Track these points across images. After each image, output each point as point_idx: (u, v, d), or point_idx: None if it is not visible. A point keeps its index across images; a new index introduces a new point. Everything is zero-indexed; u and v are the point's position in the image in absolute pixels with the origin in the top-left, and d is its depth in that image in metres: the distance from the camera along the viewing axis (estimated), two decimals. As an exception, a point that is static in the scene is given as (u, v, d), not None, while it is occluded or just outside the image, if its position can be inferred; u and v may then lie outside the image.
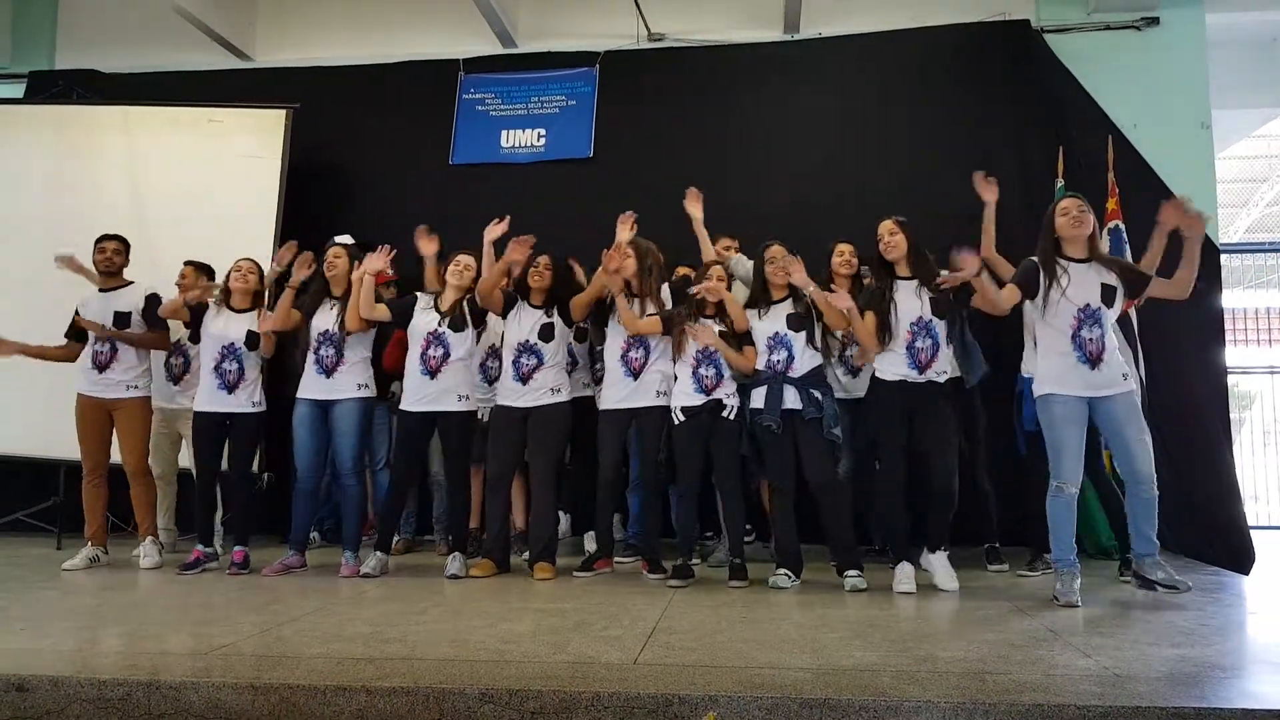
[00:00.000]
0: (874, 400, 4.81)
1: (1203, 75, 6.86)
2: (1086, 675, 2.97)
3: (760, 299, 4.96)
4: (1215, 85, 6.96)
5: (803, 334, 4.81)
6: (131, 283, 5.72)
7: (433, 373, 5.10)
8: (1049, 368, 4.33)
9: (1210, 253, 6.28)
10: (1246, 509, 6.12)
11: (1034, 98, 6.82)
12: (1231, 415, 6.39)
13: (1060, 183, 6.18)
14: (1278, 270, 12.82)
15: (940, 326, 4.64)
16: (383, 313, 5.20)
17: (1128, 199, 5.97)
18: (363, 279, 5.11)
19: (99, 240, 5.70)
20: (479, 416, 5.50)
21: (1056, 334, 4.29)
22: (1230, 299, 8.83)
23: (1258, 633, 3.91)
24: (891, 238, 4.72)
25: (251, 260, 5.54)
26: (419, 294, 5.32)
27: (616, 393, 5.11)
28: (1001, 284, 4.47)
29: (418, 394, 5.13)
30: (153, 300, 5.67)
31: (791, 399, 4.74)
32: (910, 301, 4.65)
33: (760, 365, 4.84)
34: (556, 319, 5.17)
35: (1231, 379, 6.84)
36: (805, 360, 4.79)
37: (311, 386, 5.26)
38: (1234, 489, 6.00)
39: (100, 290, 5.66)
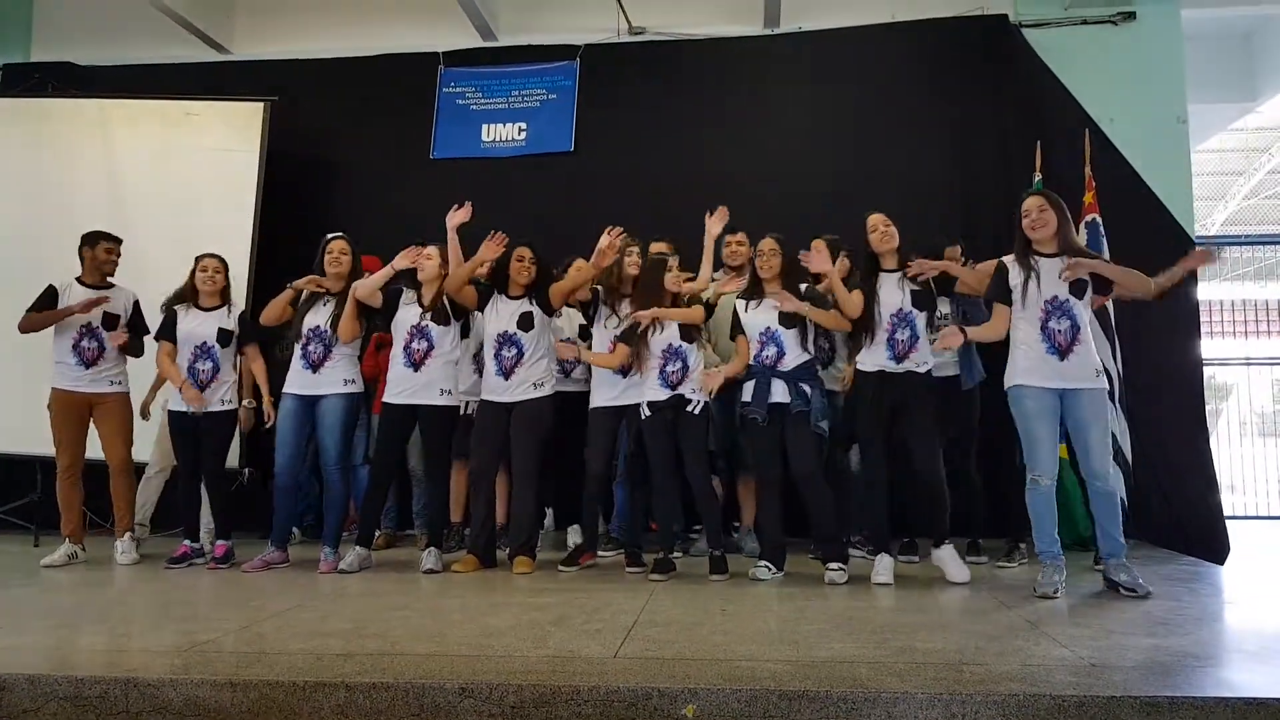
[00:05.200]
0: (855, 392, 4.85)
1: (1179, 69, 6.90)
2: (1063, 665, 3.00)
3: (752, 292, 4.96)
4: (1191, 80, 7.01)
5: (794, 330, 4.81)
6: (115, 284, 5.65)
7: (416, 365, 5.10)
8: (1019, 359, 4.40)
9: (1187, 245, 6.35)
10: (1223, 499, 6.18)
11: (1012, 92, 6.86)
12: (1208, 407, 6.44)
13: (1037, 177, 6.20)
14: (1254, 263, 12.95)
15: (920, 318, 4.71)
16: (378, 298, 5.15)
17: (1105, 193, 6.00)
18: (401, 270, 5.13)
19: (104, 238, 5.58)
20: (464, 410, 5.51)
21: (1027, 326, 4.37)
22: (1206, 291, 8.90)
23: (1233, 622, 3.94)
24: (886, 229, 4.76)
25: (217, 258, 5.48)
26: (402, 289, 5.31)
27: (607, 391, 5.13)
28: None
29: (400, 386, 5.13)
30: (139, 306, 5.67)
31: (780, 392, 4.75)
32: (893, 294, 4.71)
33: (750, 359, 4.85)
34: (535, 308, 5.16)
35: (1208, 371, 6.90)
36: (795, 355, 4.81)
37: (297, 381, 5.23)
38: (1210, 480, 6.05)
39: (84, 285, 5.54)
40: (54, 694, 2.92)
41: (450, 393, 5.19)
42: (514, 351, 5.11)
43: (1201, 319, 6.54)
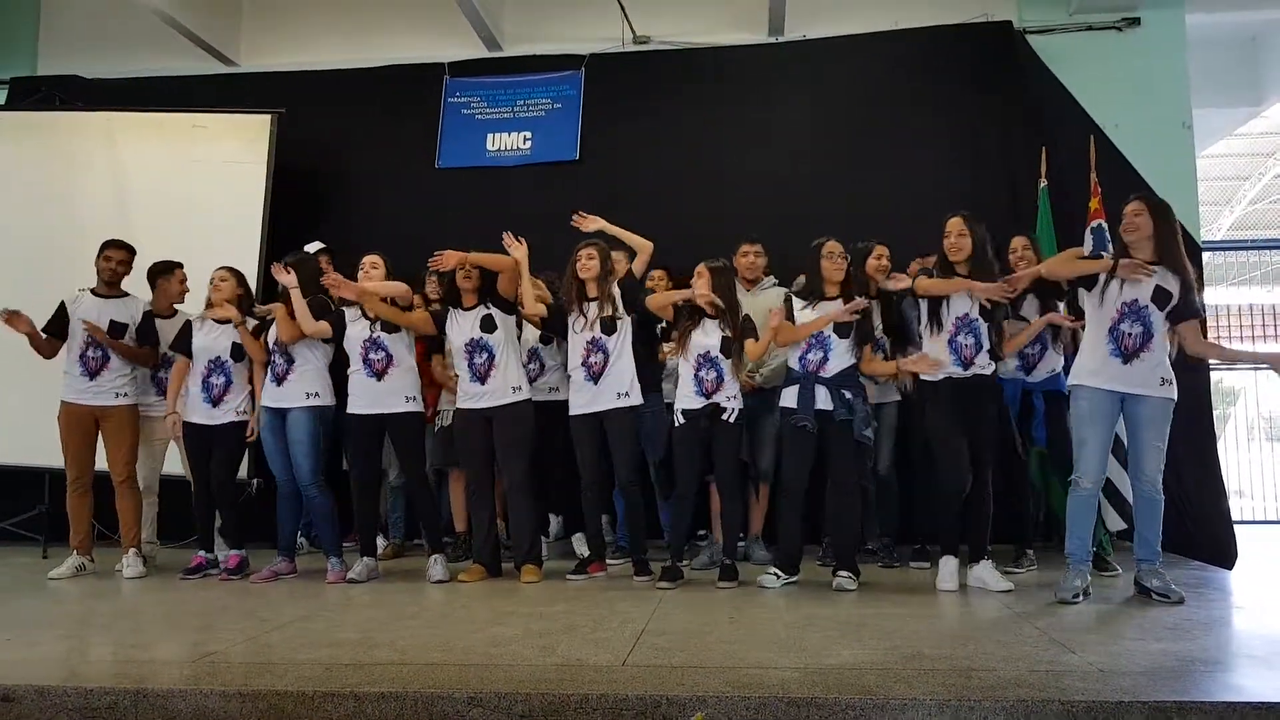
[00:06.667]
0: (925, 400, 4.77)
1: (1183, 75, 6.90)
2: (1071, 670, 3.00)
3: (813, 292, 4.82)
4: (1196, 85, 7.00)
5: (846, 340, 4.71)
6: (129, 294, 5.69)
7: (379, 375, 5.12)
8: (1085, 360, 4.37)
9: (1193, 250, 6.35)
10: (1231, 504, 6.16)
11: (1017, 98, 6.85)
12: (1215, 411, 6.43)
13: (1043, 183, 6.21)
14: (1260, 267, 12.93)
15: (984, 327, 4.61)
16: (323, 329, 5.17)
17: (1110, 199, 5.98)
18: (290, 294, 5.13)
19: (107, 246, 5.64)
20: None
21: (1099, 325, 4.32)
22: (1213, 296, 8.89)
23: (1241, 627, 3.93)
24: (959, 239, 4.68)
25: (225, 269, 5.49)
26: (344, 311, 5.29)
27: (581, 398, 5.12)
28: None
29: (364, 396, 5.15)
30: (149, 316, 5.66)
31: (823, 399, 4.67)
32: (963, 299, 4.63)
33: (794, 364, 4.79)
34: (493, 310, 5.13)
35: (1215, 375, 6.89)
36: (839, 361, 4.72)
37: (267, 394, 5.27)
38: (1218, 485, 6.04)
39: (97, 295, 5.60)
40: (63, 705, 2.93)
41: (415, 399, 5.21)
42: (485, 356, 5.10)
43: (1208, 323, 6.53)
